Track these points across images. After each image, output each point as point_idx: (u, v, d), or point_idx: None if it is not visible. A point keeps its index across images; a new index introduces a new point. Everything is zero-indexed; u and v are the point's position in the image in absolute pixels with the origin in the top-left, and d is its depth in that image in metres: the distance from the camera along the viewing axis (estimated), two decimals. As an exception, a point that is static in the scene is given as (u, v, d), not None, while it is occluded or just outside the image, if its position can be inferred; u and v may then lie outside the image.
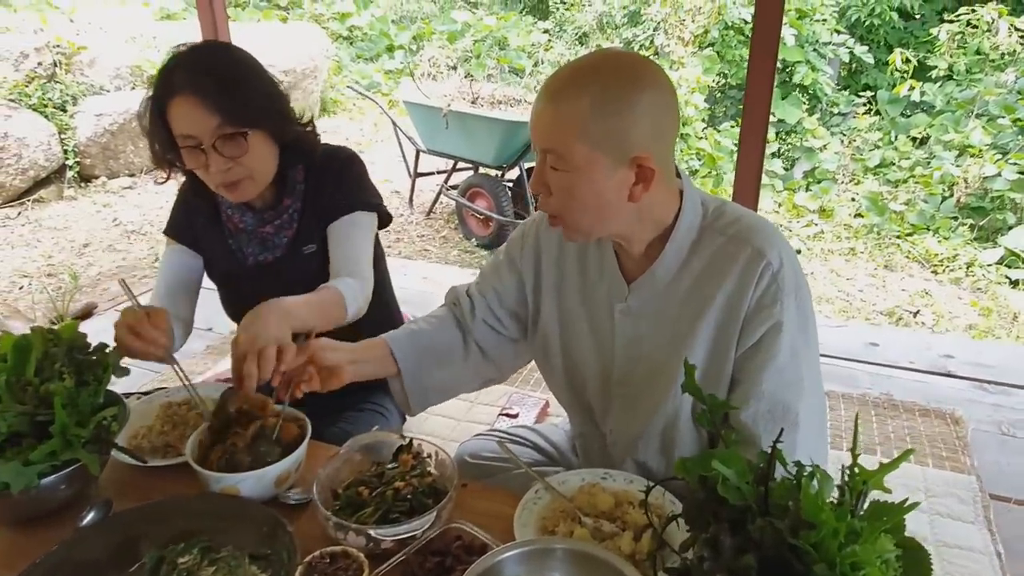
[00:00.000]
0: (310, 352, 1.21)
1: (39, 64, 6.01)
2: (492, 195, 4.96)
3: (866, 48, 8.10)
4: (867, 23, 8.27)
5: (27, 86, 5.88)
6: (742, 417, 1.13)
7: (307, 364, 1.21)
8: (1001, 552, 2.02)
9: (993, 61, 7.14)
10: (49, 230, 5.27)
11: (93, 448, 1.13)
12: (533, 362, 1.44)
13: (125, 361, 1.27)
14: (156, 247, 4.94)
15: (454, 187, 5.40)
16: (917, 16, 8.39)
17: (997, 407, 2.78)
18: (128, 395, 1.39)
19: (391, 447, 1.20)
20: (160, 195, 5.93)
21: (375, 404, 1.74)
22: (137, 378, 2.80)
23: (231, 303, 1.71)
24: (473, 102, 5.23)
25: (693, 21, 7.78)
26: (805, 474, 0.79)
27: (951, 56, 7.36)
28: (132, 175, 6.30)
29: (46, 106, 5.91)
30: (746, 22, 7.59)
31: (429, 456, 1.18)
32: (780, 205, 6.14)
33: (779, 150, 7.21)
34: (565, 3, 9.96)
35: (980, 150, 5.99)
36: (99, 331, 1.31)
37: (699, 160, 6.83)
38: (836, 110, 7.81)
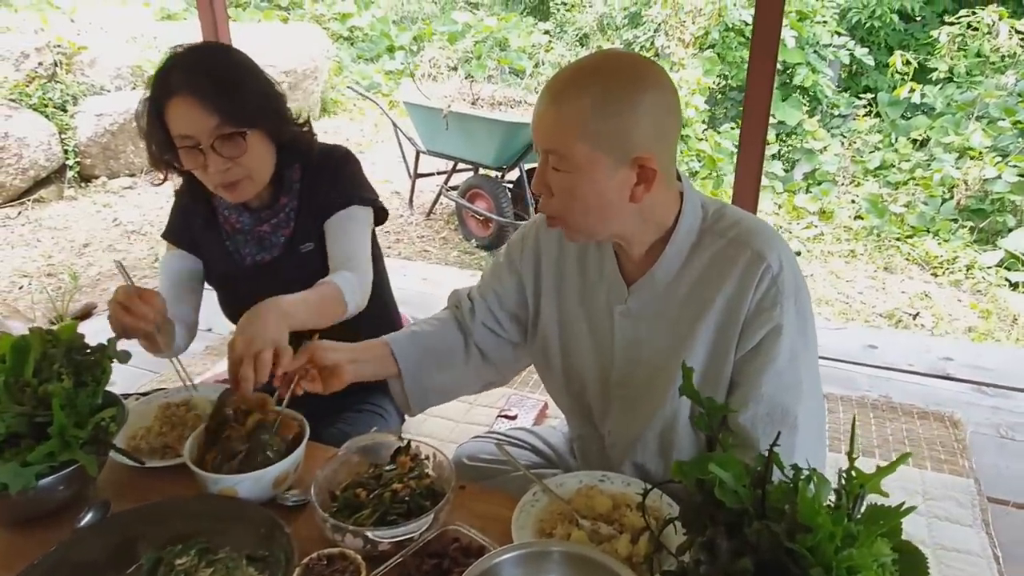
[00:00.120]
0: (310, 352, 1.21)
1: (40, 64, 6.01)
2: (492, 196, 4.96)
3: (866, 50, 8.10)
4: (868, 25, 8.28)
5: (28, 86, 5.88)
6: (741, 420, 1.13)
7: (307, 364, 1.22)
8: (999, 555, 2.02)
9: (993, 63, 7.14)
10: (49, 230, 5.28)
11: (91, 449, 1.13)
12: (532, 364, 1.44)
13: (133, 358, 1.27)
14: (156, 247, 4.94)
15: (454, 188, 5.40)
16: (918, 18, 8.40)
17: (996, 410, 2.77)
18: (126, 396, 1.39)
19: (389, 449, 1.20)
20: (160, 195, 5.93)
21: (373, 405, 1.73)
22: (136, 379, 2.81)
23: (229, 304, 1.71)
24: (473, 103, 5.24)
25: (694, 23, 7.78)
26: (802, 477, 0.79)
27: (951, 58, 7.36)
28: (132, 175, 6.30)
29: (46, 106, 5.91)
30: (747, 24, 7.59)
31: (427, 458, 1.18)
32: (780, 207, 6.14)
33: (779, 152, 7.21)
34: (566, 4, 9.96)
35: (980, 152, 5.99)
36: (98, 331, 1.31)
37: (699, 161, 6.83)
38: (836, 112, 7.81)
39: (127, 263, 4.64)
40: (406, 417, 1.85)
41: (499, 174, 5.17)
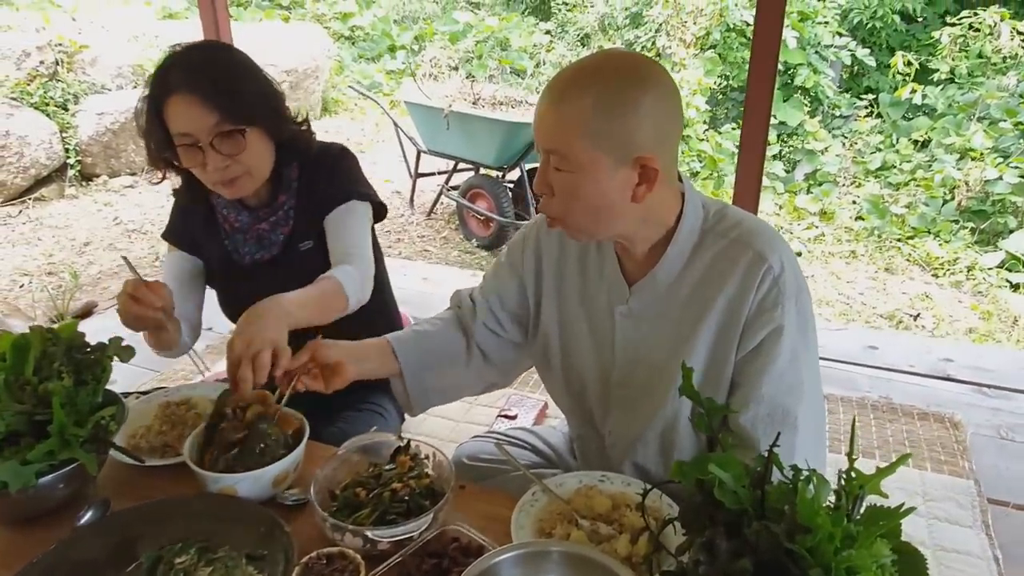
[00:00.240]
0: (312, 350, 1.22)
1: (41, 63, 6.02)
2: (493, 196, 4.96)
3: (868, 51, 8.09)
4: (869, 26, 8.27)
5: (29, 84, 5.89)
6: (741, 421, 1.13)
7: (309, 362, 1.21)
8: (999, 556, 2.02)
9: (995, 64, 7.13)
10: (50, 228, 5.28)
11: (91, 447, 1.13)
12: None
13: (134, 357, 1.27)
14: (157, 246, 4.94)
15: (455, 188, 5.40)
16: (919, 19, 8.39)
17: (996, 411, 2.77)
18: (127, 395, 1.39)
19: (389, 448, 1.20)
20: (161, 194, 5.93)
21: (373, 404, 1.73)
22: (136, 378, 2.81)
23: (229, 303, 1.71)
24: (474, 103, 5.24)
25: (695, 23, 7.78)
26: (801, 478, 0.79)
27: (953, 59, 7.35)
28: (133, 174, 6.31)
29: (48, 104, 5.92)
30: (748, 24, 7.58)
31: (427, 457, 1.18)
32: (781, 207, 6.14)
33: (780, 152, 7.21)
34: (567, 4, 9.96)
35: (981, 153, 5.98)
36: (99, 330, 1.31)
37: (700, 162, 6.83)
38: (837, 113, 7.80)
39: (128, 262, 4.68)
40: (406, 416, 1.85)
41: (500, 174, 5.17)
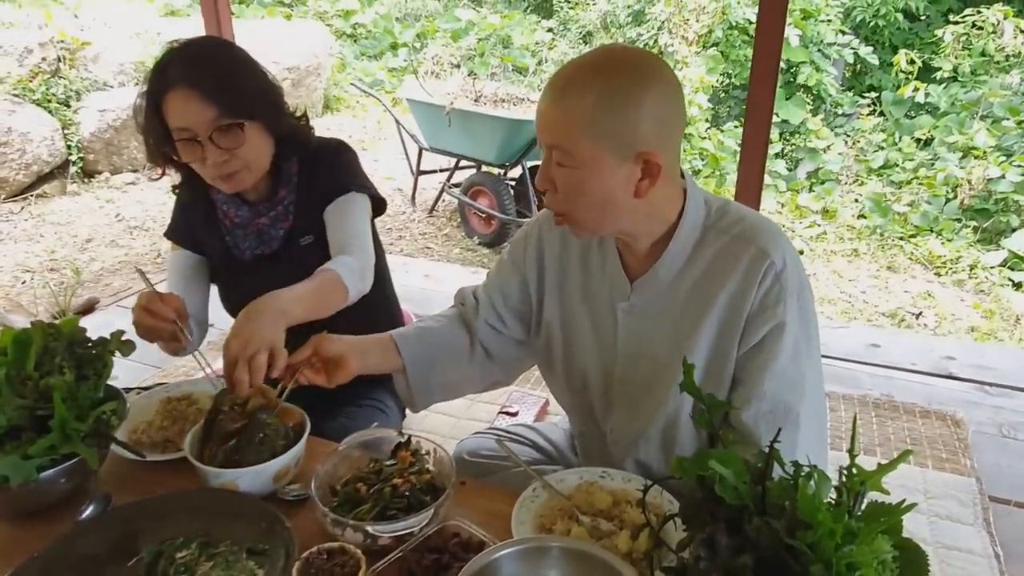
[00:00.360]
0: (315, 344, 1.21)
1: (43, 59, 6.02)
2: (494, 193, 4.96)
3: (871, 49, 8.07)
4: (872, 24, 8.25)
5: (31, 81, 5.88)
6: (743, 417, 1.13)
7: (312, 357, 1.21)
8: (1000, 554, 2.01)
9: (998, 63, 7.11)
10: (52, 225, 5.28)
11: (92, 442, 1.13)
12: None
13: (136, 353, 1.28)
14: (158, 243, 4.94)
15: (456, 185, 5.40)
16: (922, 17, 8.37)
17: (998, 409, 2.77)
18: (128, 390, 1.39)
19: (390, 444, 1.20)
20: (162, 191, 5.93)
21: (374, 400, 1.74)
22: (138, 373, 2.81)
23: (230, 299, 1.71)
24: (476, 100, 5.23)
25: (697, 21, 7.76)
26: (802, 474, 0.79)
27: (956, 57, 7.33)
28: (135, 171, 6.31)
29: (50, 101, 5.92)
30: (750, 22, 7.57)
31: (427, 453, 1.18)
32: (783, 206, 6.13)
33: (782, 151, 7.19)
34: (569, 2, 9.94)
35: (984, 152, 5.97)
36: (101, 326, 1.32)
37: (702, 160, 6.82)
38: (840, 111, 7.79)
39: (129, 259, 4.69)
40: (407, 413, 1.85)
41: (502, 171, 5.17)
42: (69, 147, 5.96)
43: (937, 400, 2.81)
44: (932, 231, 5.55)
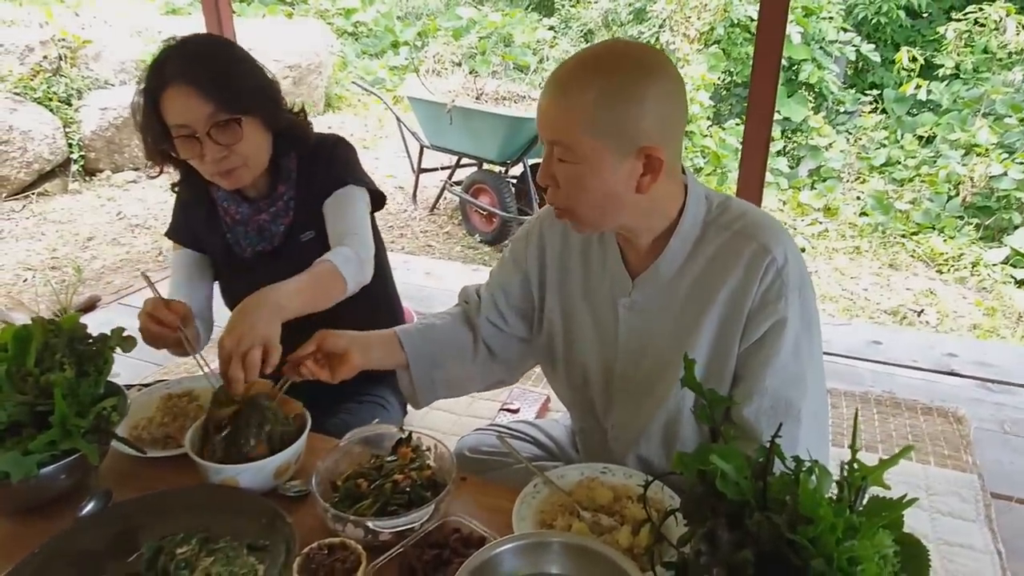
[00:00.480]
0: (319, 339, 1.21)
1: (44, 58, 6.02)
2: (496, 191, 4.96)
3: (872, 46, 8.06)
4: (874, 21, 8.23)
5: (32, 80, 5.89)
6: (744, 413, 1.13)
7: (316, 351, 1.21)
8: (1002, 551, 2.01)
9: (1000, 60, 7.10)
10: (53, 223, 5.28)
11: (93, 438, 1.13)
12: (535, 359, 1.44)
13: (136, 350, 1.28)
14: (160, 241, 4.95)
15: (458, 183, 5.40)
16: (924, 14, 8.35)
17: (1000, 406, 2.77)
18: (129, 387, 1.39)
19: (391, 440, 1.20)
20: (163, 189, 5.93)
21: (376, 396, 1.73)
22: (139, 370, 2.81)
23: (231, 297, 1.70)
24: (477, 98, 5.23)
25: (699, 18, 7.75)
26: (804, 469, 0.78)
27: (958, 55, 7.32)
28: (136, 169, 6.31)
29: (51, 100, 5.92)
30: (752, 19, 7.56)
31: (428, 449, 1.18)
32: (785, 203, 6.12)
33: (784, 148, 7.18)
34: (570, 0, 9.93)
35: (986, 149, 5.96)
36: (102, 323, 1.32)
37: (704, 158, 6.81)
38: (842, 108, 7.77)
39: (131, 257, 4.69)
40: (408, 409, 1.85)
41: (503, 169, 5.16)
42: (70, 145, 5.96)
43: (939, 397, 2.80)
44: (934, 228, 5.54)
